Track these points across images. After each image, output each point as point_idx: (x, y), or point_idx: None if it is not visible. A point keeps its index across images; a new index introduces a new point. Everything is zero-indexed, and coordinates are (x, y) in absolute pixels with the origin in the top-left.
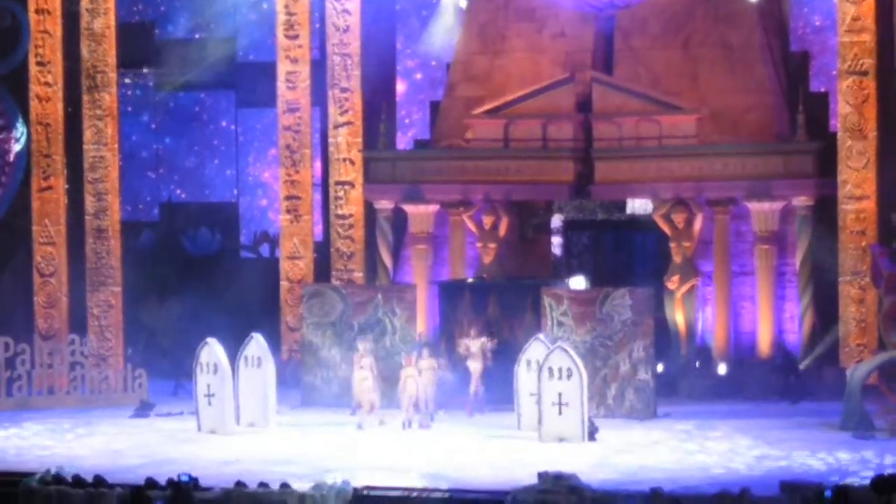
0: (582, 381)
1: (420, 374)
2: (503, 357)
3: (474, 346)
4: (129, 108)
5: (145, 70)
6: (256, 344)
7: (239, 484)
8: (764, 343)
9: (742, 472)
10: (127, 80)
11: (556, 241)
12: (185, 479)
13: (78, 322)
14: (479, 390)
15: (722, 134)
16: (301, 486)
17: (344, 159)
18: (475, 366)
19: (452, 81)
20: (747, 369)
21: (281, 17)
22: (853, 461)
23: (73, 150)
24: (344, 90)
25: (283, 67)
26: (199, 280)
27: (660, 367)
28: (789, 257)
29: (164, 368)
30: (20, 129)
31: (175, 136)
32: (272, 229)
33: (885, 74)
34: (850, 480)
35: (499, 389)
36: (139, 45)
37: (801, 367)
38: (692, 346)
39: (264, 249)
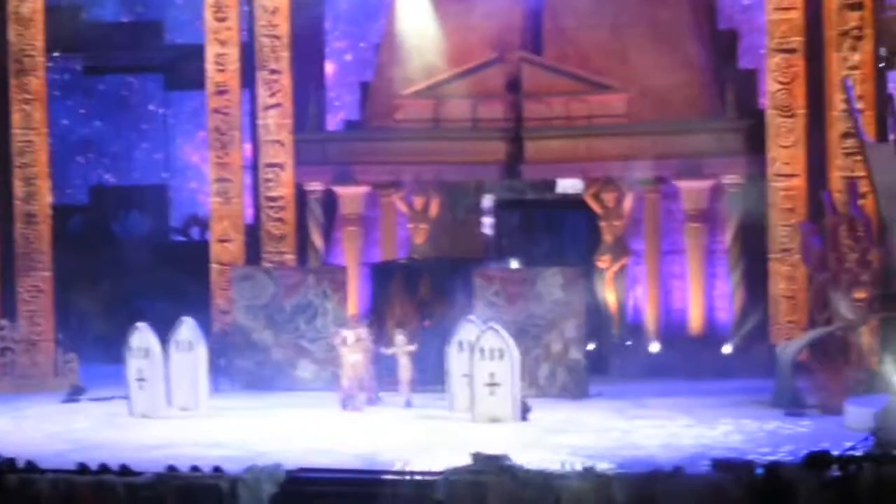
0: (514, 362)
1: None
2: (435, 338)
3: (350, 336)
4: (57, 93)
5: (73, 54)
6: (187, 327)
7: (171, 468)
8: (695, 321)
9: (674, 450)
10: (55, 64)
11: (488, 222)
12: None
13: (8, 307)
14: (365, 383)
15: (651, 112)
16: (233, 469)
17: (274, 141)
18: (352, 358)
19: (382, 62)
20: (678, 347)
21: None
22: (785, 439)
23: (0, 134)
24: (273, 72)
25: (211, 50)
26: (130, 264)
27: (591, 347)
28: (719, 235)
29: (95, 353)
30: None
31: (104, 120)
32: (202, 212)
33: (813, 52)
34: (781, 458)
35: (431, 371)
36: (67, 28)
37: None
38: (623, 324)
39: (194, 232)
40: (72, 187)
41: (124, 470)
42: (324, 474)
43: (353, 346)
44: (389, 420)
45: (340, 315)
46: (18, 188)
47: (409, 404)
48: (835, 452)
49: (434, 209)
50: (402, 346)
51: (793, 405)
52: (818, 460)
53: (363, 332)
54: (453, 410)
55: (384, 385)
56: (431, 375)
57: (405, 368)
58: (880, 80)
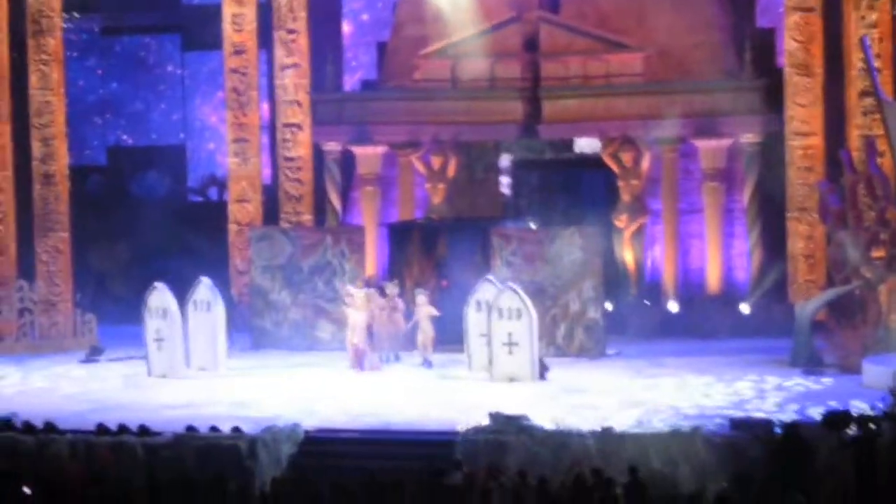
0: (531, 321)
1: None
2: (453, 298)
3: (358, 295)
4: (75, 53)
5: (90, 14)
6: (205, 288)
7: (190, 429)
8: (713, 280)
9: (692, 409)
10: (73, 25)
11: (505, 181)
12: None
13: (26, 268)
14: (365, 346)
15: (669, 72)
16: (252, 429)
17: (291, 101)
18: (356, 317)
19: (399, 21)
20: (696, 306)
21: None
22: (803, 398)
23: (18, 95)
24: (290, 32)
25: (228, 10)
26: (148, 224)
27: (609, 306)
28: (737, 194)
29: (114, 313)
30: None
31: (121, 81)
32: (220, 172)
33: (831, 10)
34: (800, 417)
35: (449, 330)
36: None
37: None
38: (641, 284)
39: (212, 193)
40: (89, 148)
41: (143, 430)
42: (342, 434)
43: (360, 306)
44: (408, 380)
45: (358, 275)
46: (36, 149)
47: (428, 364)
48: (853, 411)
49: (452, 169)
50: (422, 307)
51: (811, 364)
52: (837, 419)
53: (376, 292)
54: (472, 370)
55: (403, 344)
56: (450, 335)
57: (425, 329)
58: None
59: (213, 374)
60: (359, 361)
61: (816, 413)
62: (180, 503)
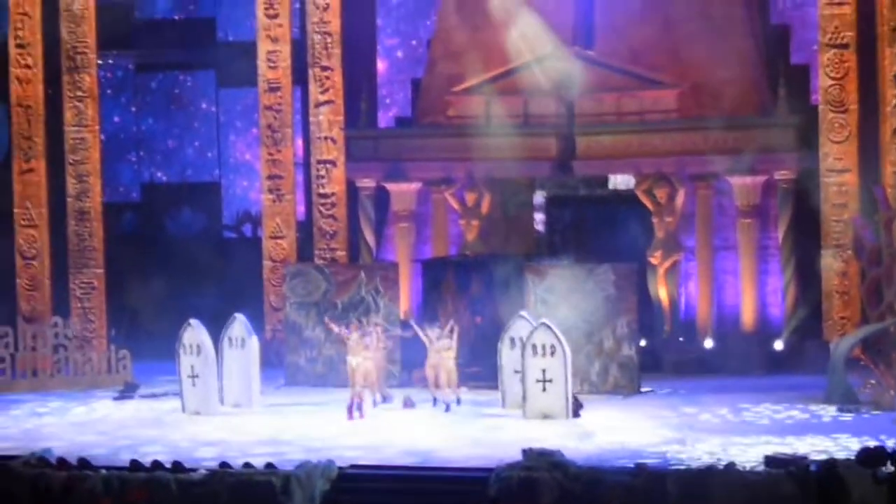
0: (566, 358)
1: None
2: (487, 334)
3: (353, 338)
4: (109, 90)
5: (125, 51)
6: (240, 324)
7: (224, 465)
8: (747, 317)
9: (726, 446)
10: (107, 62)
11: (539, 218)
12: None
13: (61, 304)
14: (361, 392)
15: (703, 108)
16: (286, 466)
17: (325, 138)
18: (354, 361)
19: (433, 58)
20: (730, 343)
21: None
22: (838, 434)
23: (53, 131)
24: (325, 69)
25: (263, 47)
26: (182, 261)
27: (643, 343)
28: (771, 231)
29: (148, 350)
30: None
31: (155, 118)
32: (254, 209)
33: (866, 47)
34: (835, 454)
35: (484, 367)
36: (119, 25)
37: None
38: (675, 321)
39: (247, 229)
40: (124, 185)
41: (177, 467)
42: (376, 471)
43: (354, 348)
44: (441, 417)
45: (393, 311)
46: (71, 185)
47: (456, 403)
48: (889, 448)
49: (486, 205)
50: (450, 349)
51: (846, 401)
52: (872, 456)
53: (372, 335)
54: (505, 407)
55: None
56: (483, 372)
57: (450, 369)
58: None
59: (247, 411)
60: (357, 407)
61: (851, 450)
62: None
